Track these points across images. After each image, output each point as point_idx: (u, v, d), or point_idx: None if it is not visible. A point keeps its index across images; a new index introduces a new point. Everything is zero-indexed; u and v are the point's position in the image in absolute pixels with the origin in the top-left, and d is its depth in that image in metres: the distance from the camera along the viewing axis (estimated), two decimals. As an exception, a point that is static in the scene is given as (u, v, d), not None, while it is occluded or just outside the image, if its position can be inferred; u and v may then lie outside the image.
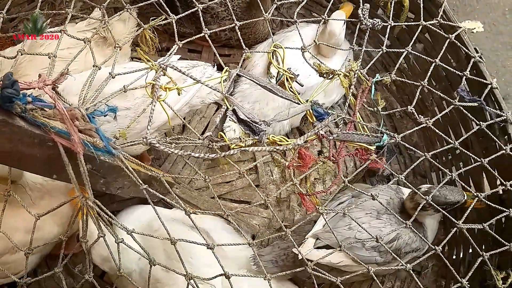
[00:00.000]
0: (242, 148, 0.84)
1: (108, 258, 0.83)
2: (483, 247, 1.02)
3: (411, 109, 0.95)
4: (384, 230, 0.99)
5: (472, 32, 1.81)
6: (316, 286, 0.83)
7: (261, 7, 1.04)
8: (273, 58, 1.04)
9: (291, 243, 0.86)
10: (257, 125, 0.87)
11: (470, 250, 1.13)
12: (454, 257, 1.18)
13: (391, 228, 1.00)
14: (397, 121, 1.44)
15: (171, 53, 0.89)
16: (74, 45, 1.07)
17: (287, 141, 0.92)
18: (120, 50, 0.90)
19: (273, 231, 1.22)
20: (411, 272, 0.83)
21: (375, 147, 0.93)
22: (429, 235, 1.10)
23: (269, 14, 1.01)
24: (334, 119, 0.90)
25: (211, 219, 1.15)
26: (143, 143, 0.75)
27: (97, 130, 0.71)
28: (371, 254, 0.99)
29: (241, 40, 0.96)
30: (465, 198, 0.99)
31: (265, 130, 0.87)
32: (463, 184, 0.97)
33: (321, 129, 0.87)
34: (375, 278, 0.83)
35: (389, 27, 1.06)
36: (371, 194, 0.87)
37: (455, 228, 0.87)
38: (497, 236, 0.89)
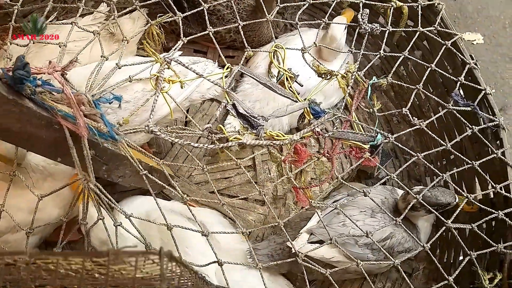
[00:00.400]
0: (240, 141, 0.87)
1: (106, 241, 0.86)
2: (473, 250, 1.04)
3: (406, 111, 0.98)
4: (377, 228, 1.01)
5: (472, 43, 1.86)
6: (307, 282, 0.85)
7: (266, 11, 1.08)
8: (274, 58, 1.08)
9: (287, 238, 0.89)
10: (255, 119, 0.90)
11: (461, 257, 1.15)
12: (445, 260, 1.19)
13: (384, 227, 1.02)
14: (394, 126, 1.47)
15: (175, 48, 0.93)
16: (80, 38, 1.12)
17: (284, 136, 0.95)
18: (127, 43, 0.94)
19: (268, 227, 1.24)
20: (399, 267, 0.85)
21: (368, 146, 0.96)
22: (422, 237, 1.11)
23: (271, 16, 1.05)
24: (330, 118, 0.93)
25: (209, 212, 1.18)
26: (145, 130, 0.79)
27: (102, 116, 0.74)
28: (364, 251, 1.01)
29: (244, 40, 1.00)
30: (457, 200, 1.01)
31: (263, 125, 0.90)
32: (456, 187, 0.99)
33: (317, 126, 0.90)
34: (366, 274, 0.85)
35: (387, 32, 1.09)
36: (363, 190, 0.89)
37: (444, 227, 0.89)
38: (485, 237, 0.91)
